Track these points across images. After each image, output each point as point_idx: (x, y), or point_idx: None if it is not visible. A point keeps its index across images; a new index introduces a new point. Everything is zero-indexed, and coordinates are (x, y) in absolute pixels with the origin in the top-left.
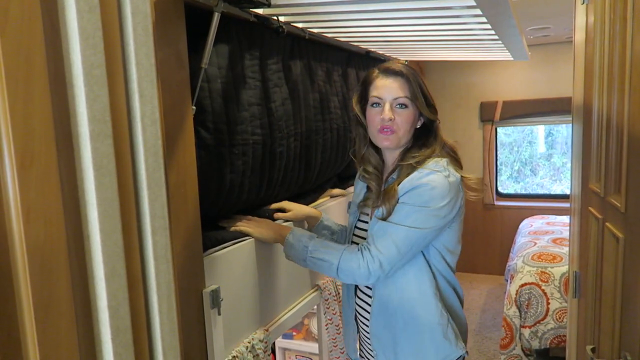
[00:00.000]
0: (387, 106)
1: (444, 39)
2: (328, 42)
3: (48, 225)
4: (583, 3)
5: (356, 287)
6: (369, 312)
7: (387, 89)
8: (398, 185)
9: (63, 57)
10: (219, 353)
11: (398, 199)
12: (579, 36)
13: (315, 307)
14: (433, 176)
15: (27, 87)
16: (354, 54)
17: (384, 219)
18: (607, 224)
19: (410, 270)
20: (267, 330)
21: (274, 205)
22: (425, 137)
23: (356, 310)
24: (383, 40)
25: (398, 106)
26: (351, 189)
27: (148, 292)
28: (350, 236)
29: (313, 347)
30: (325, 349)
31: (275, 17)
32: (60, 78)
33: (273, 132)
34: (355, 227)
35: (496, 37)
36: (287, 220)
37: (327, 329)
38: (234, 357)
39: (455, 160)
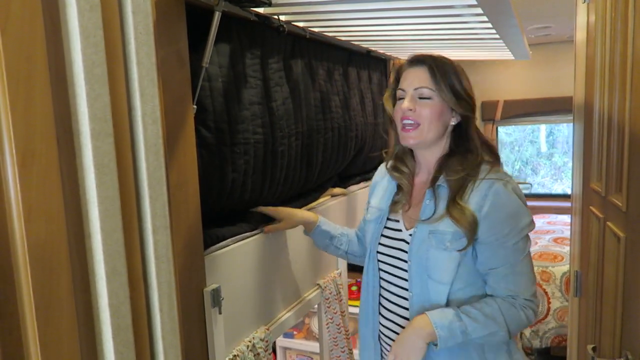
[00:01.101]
0: (407, 97)
1: (445, 38)
2: (329, 41)
3: (49, 224)
4: (584, 2)
5: (380, 304)
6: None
7: (409, 78)
8: (461, 200)
9: (64, 55)
10: (220, 352)
11: (474, 216)
12: (580, 35)
13: (316, 306)
14: (513, 189)
15: (28, 86)
16: (355, 53)
17: (466, 244)
18: (608, 223)
19: (468, 291)
20: (268, 329)
21: (263, 209)
22: (465, 140)
23: (380, 331)
24: (384, 40)
25: (421, 97)
26: (353, 187)
27: (149, 291)
28: (375, 246)
29: (314, 346)
30: (326, 348)
31: (276, 16)
32: (61, 77)
33: (274, 131)
34: (383, 235)
35: (497, 36)
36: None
37: (327, 328)
38: (234, 356)
39: (497, 158)
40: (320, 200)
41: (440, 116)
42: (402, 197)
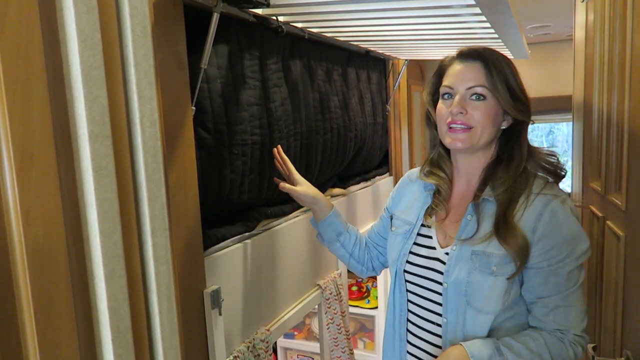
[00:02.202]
0: (457, 97)
1: (444, 37)
2: (327, 42)
3: (47, 227)
4: (583, 1)
5: (408, 330)
6: None
7: (460, 76)
8: (512, 218)
9: (62, 58)
10: (220, 353)
11: (526, 239)
12: (579, 34)
13: (317, 306)
14: (571, 209)
15: (26, 89)
16: (353, 53)
17: (515, 271)
18: (608, 222)
19: (513, 321)
20: (268, 330)
21: (284, 185)
22: (513, 147)
23: None
24: (382, 40)
25: (474, 97)
26: (352, 188)
27: (148, 293)
28: (403, 264)
29: (314, 346)
30: (327, 348)
31: (274, 17)
32: (59, 79)
33: (272, 132)
34: (412, 252)
35: (496, 35)
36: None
37: (328, 329)
38: (235, 357)
39: (556, 176)
40: None
41: (495, 119)
42: (439, 205)
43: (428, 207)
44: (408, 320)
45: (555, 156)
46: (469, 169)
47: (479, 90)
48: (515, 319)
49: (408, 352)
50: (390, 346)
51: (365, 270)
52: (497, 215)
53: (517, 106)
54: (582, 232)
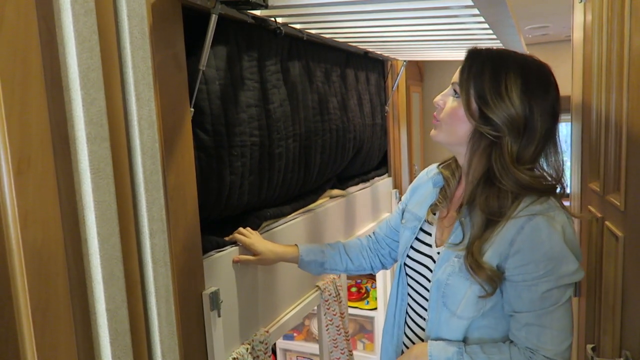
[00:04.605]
0: (445, 90)
1: (442, 38)
2: (326, 43)
3: (45, 229)
4: (581, 2)
5: (406, 322)
6: None
7: (457, 71)
8: (479, 251)
9: (59, 60)
10: (219, 355)
11: (493, 271)
12: (578, 35)
13: (316, 307)
14: (562, 227)
15: (23, 91)
16: (352, 54)
17: (490, 291)
18: (607, 222)
19: (491, 332)
20: (267, 331)
21: (238, 237)
22: (486, 161)
23: (404, 350)
24: (381, 41)
25: (456, 95)
26: (351, 189)
27: (147, 295)
28: (404, 257)
29: (314, 347)
30: (326, 349)
31: (272, 19)
32: (57, 82)
33: (271, 133)
34: (412, 247)
35: (494, 36)
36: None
37: (327, 330)
38: (234, 358)
39: (549, 194)
40: (319, 202)
41: (462, 121)
42: (442, 202)
43: (432, 204)
44: (407, 312)
45: (541, 177)
46: (466, 172)
47: (455, 87)
48: (496, 330)
49: (404, 343)
50: (389, 335)
51: (371, 268)
52: (468, 245)
53: (479, 114)
54: (567, 252)
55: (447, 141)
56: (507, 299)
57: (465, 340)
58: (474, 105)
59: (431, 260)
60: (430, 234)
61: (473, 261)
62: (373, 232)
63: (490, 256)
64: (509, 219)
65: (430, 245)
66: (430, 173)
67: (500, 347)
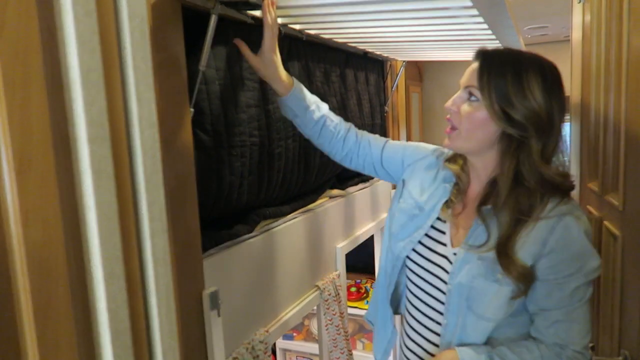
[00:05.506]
0: (457, 93)
1: (442, 39)
2: (325, 43)
3: (46, 229)
4: (580, 2)
5: (408, 324)
6: None
7: (466, 73)
8: (512, 248)
9: (60, 61)
10: (219, 354)
11: (526, 268)
12: (576, 35)
13: (315, 307)
14: (585, 226)
15: (24, 92)
16: (351, 54)
17: (521, 290)
18: (605, 222)
19: (513, 330)
20: (267, 331)
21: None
22: (516, 163)
23: (405, 355)
24: (380, 41)
25: (472, 98)
26: (351, 189)
27: (147, 295)
28: (407, 251)
29: (313, 347)
30: (326, 349)
31: None
32: (58, 82)
33: (271, 133)
34: (421, 243)
35: (493, 37)
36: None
37: (327, 330)
38: (234, 358)
39: (564, 193)
40: (318, 202)
41: (483, 125)
42: (457, 197)
43: (447, 200)
44: (408, 312)
45: (566, 175)
46: (477, 169)
47: (471, 89)
48: (516, 328)
49: (406, 346)
50: (382, 320)
51: (335, 154)
52: (498, 242)
53: (508, 118)
54: (592, 249)
55: (467, 147)
56: (535, 298)
57: (488, 342)
58: (496, 107)
59: (446, 261)
60: (443, 232)
61: (510, 262)
62: (363, 138)
63: (524, 256)
64: (539, 219)
65: (444, 245)
66: (439, 161)
67: (528, 346)
